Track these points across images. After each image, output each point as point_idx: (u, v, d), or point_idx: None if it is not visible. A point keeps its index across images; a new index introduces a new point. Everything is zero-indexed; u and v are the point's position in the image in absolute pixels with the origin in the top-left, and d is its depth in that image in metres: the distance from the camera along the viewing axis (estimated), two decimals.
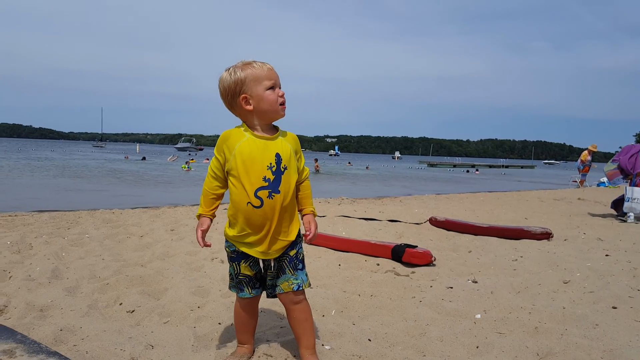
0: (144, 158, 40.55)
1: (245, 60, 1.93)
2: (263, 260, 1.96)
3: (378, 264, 3.87)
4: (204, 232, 1.97)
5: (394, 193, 14.57)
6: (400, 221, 6.45)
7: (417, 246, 3.96)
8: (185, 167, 26.44)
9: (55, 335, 2.28)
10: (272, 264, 1.97)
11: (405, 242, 4.20)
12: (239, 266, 1.98)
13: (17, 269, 3.48)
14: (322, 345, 2.23)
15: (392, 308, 2.83)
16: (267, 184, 1.87)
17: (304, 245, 2.92)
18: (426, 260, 3.80)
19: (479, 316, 2.71)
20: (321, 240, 4.55)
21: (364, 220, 6.44)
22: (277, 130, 1.98)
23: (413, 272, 3.63)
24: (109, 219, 6.15)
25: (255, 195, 1.86)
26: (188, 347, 2.21)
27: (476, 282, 3.39)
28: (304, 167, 2.06)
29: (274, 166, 1.88)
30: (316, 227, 2.04)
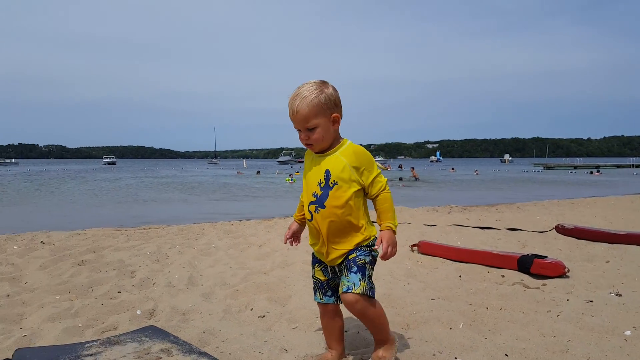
0: (258, 172, 42.33)
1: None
2: (332, 267, 2.10)
3: (503, 276, 3.65)
4: (291, 231, 2.26)
5: (508, 199, 13.70)
6: (521, 229, 6.04)
7: (546, 256, 3.67)
8: (289, 180, 27.47)
9: (199, 337, 2.49)
10: (337, 270, 2.10)
11: (531, 252, 3.92)
12: (314, 269, 2.18)
13: (159, 276, 3.87)
14: (455, 358, 2.16)
15: (526, 322, 2.64)
16: (315, 199, 2.04)
17: (414, 257, 2.85)
18: (558, 271, 3.50)
19: (628, 333, 2.42)
20: (438, 251, 4.42)
21: (479, 229, 6.13)
22: (337, 145, 2.05)
23: (544, 285, 3.37)
24: (230, 230, 6.60)
25: (308, 209, 2.06)
26: (320, 352, 2.27)
27: (620, 295, 3.05)
28: (374, 180, 2.02)
29: (322, 182, 2.02)
30: (390, 244, 1.98)
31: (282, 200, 15.86)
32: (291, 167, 61.02)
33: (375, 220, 2.08)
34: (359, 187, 2.01)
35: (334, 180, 1.99)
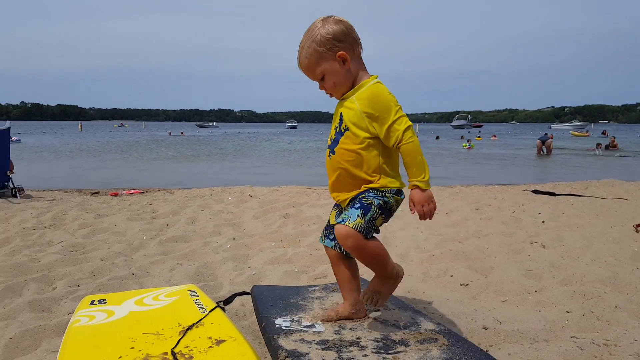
0: (437, 137, 39.99)
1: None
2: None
3: None
4: None
5: None
6: None
7: None
8: (466, 146, 26.19)
9: (404, 296, 2.56)
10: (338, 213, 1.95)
11: None
12: (330, 213, 2.06)
13: None
14: None
15: None
16: (330, 142, 1.90)
17: None
18: None
19: None
20: None
21: None
22: (354, 88, 1.84)
23: None
24: None
25: (327, 153, 1.92)
26: (540, 330, 2.13)
27: None
28: (389, 129, 1.73)
29: (337, 127, 1.87)
30: (420, 203, 1.74)
31: (457, 166, 15.23)
32: (469, 131, 57.74)
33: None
34: (371, 136, 1.77)
35: (345, 126, 1.82)
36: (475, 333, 2.10)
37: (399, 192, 1.83)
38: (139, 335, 1.84)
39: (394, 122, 1.71)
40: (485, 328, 2.13)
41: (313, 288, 2.41)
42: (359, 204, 1.75)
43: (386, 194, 1.78)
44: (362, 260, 1.82)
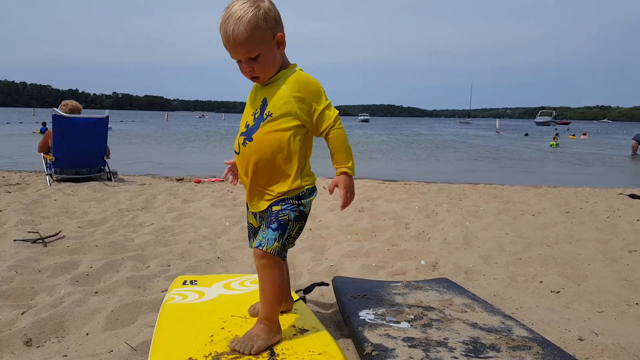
0: (526, 134, 37.96)
1: None
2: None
3: None
4: (232, 162, 1.94)
5: None
6: None
7: None
8: (553, 144, 24.50)
9: (490, 299, 2.46)
10: (258, 217, 1.79)
11: None
12: (247, 214, 1.89)
13: (433, 232, 3.99)
14: None
15: None
16: (245, 129, 1.73)
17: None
18: None
19: None
20: None
21: None
22: (280, 73, 1.69)
23: None
24: (494, 194, 6.32)
25: (237, 141, 1.76)
26: None
27: None
28: (321, 114, 1.65)
29: (257, 112, 1.70)
30: (347, 191, 1.67)
31: (543, 165, 14.32)
32: (555, 129, 54.03)
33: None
34: (299, 123, 1.66)
35: (268, 111, 1.67)
36: (570, 344, 1.96)
37: (313, 191, 1.76)
38: (228, 317, 1.92)
39: (325, 107, 1.66)
40: (581, 339, 1.99)
41: (395, 284, 2.38)
42: (276, 224, 1.66)
43: (302, 201, 1.70)
44: (264, 280, 1.70)
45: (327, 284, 2.52)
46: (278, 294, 1.70)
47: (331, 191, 1.69)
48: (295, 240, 1.75)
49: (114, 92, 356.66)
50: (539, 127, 64.52)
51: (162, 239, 3.70)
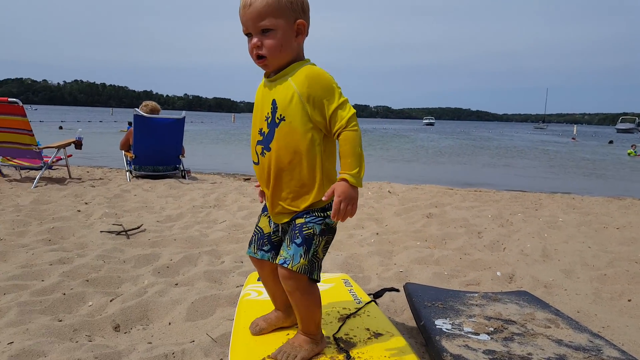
0: (611, 142, 35.03)
1: None
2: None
3: None
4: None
5: None
6: None
7: None
8: (632, 153, 22.68)
9: (574, 316, 2.31)
10: (280, 229, 1.65)
11: None
12: (260, 217, 1.75)
13: (508, 242, 3.82)
14: None
15: None
16: (261, 137, 1.56)
17: None
18: None
19: None
20: None
21: None
22: (290, 67, 1.52)
23: None
24: (573, 205, 5.95)
25: (255, 150, 1.60)
26: None
27: None
28: (333, 114, 1.46)
29: (269, 116, 1.53)
30: (343, 199, 1.42)
31: (625, 175, 13.28)
32: None
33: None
34: (313, 126, 1.48)
35: (280, 115, 1.50)
36: None
37: None
38: None
39: (338, 106, 1.46)
40: None
41: (472, 294, 2.31)
42: (300, 239, 1.53)
43: (328, 212, 1.54)
44: (296, 303, 1.59)
45: (397, 290, 2.49)
46: (314, 313, 1.61)
47: (326, 198, 1.47)
48: (322, 257, 1.59)
49: (185, 94, 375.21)
50: (620, 135, 59.98)
51: (234, 236, 3.82)
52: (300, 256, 1.51)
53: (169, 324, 2.20)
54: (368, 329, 1.85)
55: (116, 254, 3.19)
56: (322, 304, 1.69)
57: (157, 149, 7.28)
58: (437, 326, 1.86)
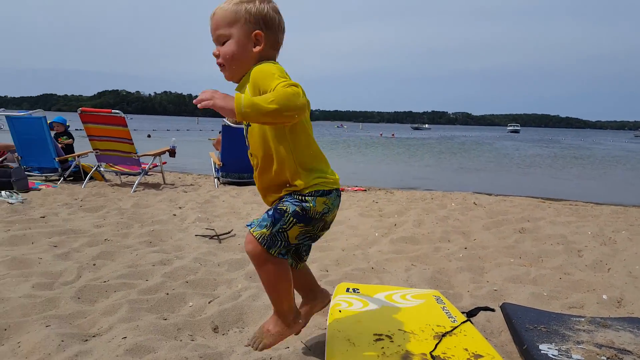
0: None
1: None
2: None
3: None
4: None
5: None
6: None
7: None
8: None
9: None
10: None
11: None
12: None
13: (613, 262, 3.50)
14: None
15: None
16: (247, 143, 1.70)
17: None
18: None
19: None
20: None
21: None
22: (245, 76, 1.59)
23: None
24: None
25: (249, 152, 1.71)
26: None
27: None
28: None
29: (243, 124, 1.63)
30: (212, 93, 1.39)
31: None
32: None
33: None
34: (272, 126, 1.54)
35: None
36: None
37: (325, 193, 1.60)
38: (395, 330, 1.92)
39: (278, 83, 1.39)
40: None
41: (578, 318, 2.14)
42: (272, 210, 1.59)
43: (306, 198, 1.57)
44: (260, 277, 1.67)
45: (493, 310, 2.37)
46: (277, 290, 1.66)
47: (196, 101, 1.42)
48: (293, 244, 1.63)
49: None
50: None
51: (318, 244, 3.85)
52: (265, 226, 1.56)
53: None
54: (466, 350, 1.78)
55: (210, 258, 3.36)
56: (417, 317, 1.64)
57: (243, 157, 7.59)
58: (542, 351, 1.75)
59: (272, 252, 1.56)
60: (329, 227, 1.73)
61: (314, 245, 3.79)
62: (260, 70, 1.51)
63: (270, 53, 1.63)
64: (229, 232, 4.11)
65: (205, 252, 3.48)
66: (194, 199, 5.98)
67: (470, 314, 2.37)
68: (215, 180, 7.69)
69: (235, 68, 1.60)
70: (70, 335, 2.01)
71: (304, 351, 1.97)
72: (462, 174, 14.08)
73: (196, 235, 3.99)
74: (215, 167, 7.89)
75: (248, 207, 5.55)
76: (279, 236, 1.56)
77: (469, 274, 3.21)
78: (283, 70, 1.52)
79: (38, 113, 7.23)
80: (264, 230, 1.55)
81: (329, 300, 2.10)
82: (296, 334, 1.89)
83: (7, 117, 7.23)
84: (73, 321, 2.23)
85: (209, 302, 2.53)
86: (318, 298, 1.98)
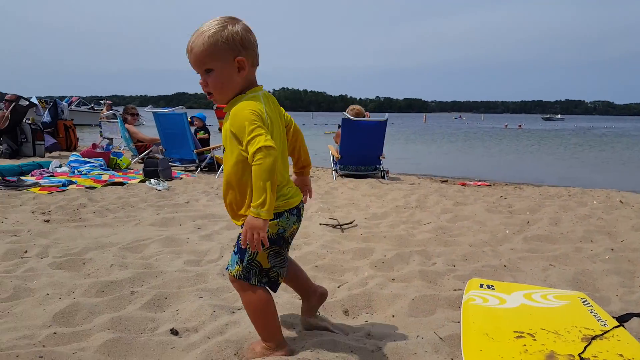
0: None
1: None
2: None
3: None
4: None
5: None
6: None
7: None
8: None
9: None
10: None
11: None
12: None
13: None
14: None
15: None
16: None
17: None
18: None
19: None
20: None
21: None
22: (234, 100, 1.70)
23: None
24: None
25: None
26: None
27: None
28: (246, 149, 1.55)
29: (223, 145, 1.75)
30: (248, 229, 1.53)
31: None
32: None
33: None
34: (243, 157, 1.61)
35: (223, 146, 1.74)
36: None
37: (276, 217, 1.67)
38: (537, 329, 1.81)
39: (248, 142, 1.52)
40: None
41: None
42: (236, 247, 1.73)
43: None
44: (245, 308, 1.78)
45: None
46: (260, 319, 1.74)
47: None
48: (267, 269, 1.70)
49: (377, 96, 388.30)
50: None
51: (442, 238, 3.78)
52: (236, 263, 1.71)
53: (392, 316, 2.30)
54: (622, 355, 1.62)
55: (335, 245, 3.47)
56: (561, 318, 1.52)
57: (360, 150, 7.69)
58: None
59: (253, 282, 1.70)
60: (290, 242, 1.81)
61: (436, 239, 3.73)
62: (237, 113, 1.60)
63: (251, 71, 1.72)
64: (351, 223, 4.21)
65: (330, 240, 3.61)
66: (315, 190, 6.21)
67: (622, 319, 2.15)
68: (334, 172, 7.89)
69: (226, 94, 1.70)
70: (220, 307, 2.23)
71: (437, 342, 1.96)
72: (604, 169, 12.64)
73: (320, 224, 4.14)
74: (333, 160, 8.10)
75: (367, 199, 5.62)
76: (251, 266, 1.69)
77: (617, 277, 2.89)
78: (255, 110, 1.58)
79: (180, 110, 8.09)
80: (237, 267, 1.71)
81: (326, 296, 2.08)
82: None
83: (153, 113, 8.20)
84: (220, 294, 2.47)
85: (338, 287, 2.63)
86: (311, 295, 2.03)
